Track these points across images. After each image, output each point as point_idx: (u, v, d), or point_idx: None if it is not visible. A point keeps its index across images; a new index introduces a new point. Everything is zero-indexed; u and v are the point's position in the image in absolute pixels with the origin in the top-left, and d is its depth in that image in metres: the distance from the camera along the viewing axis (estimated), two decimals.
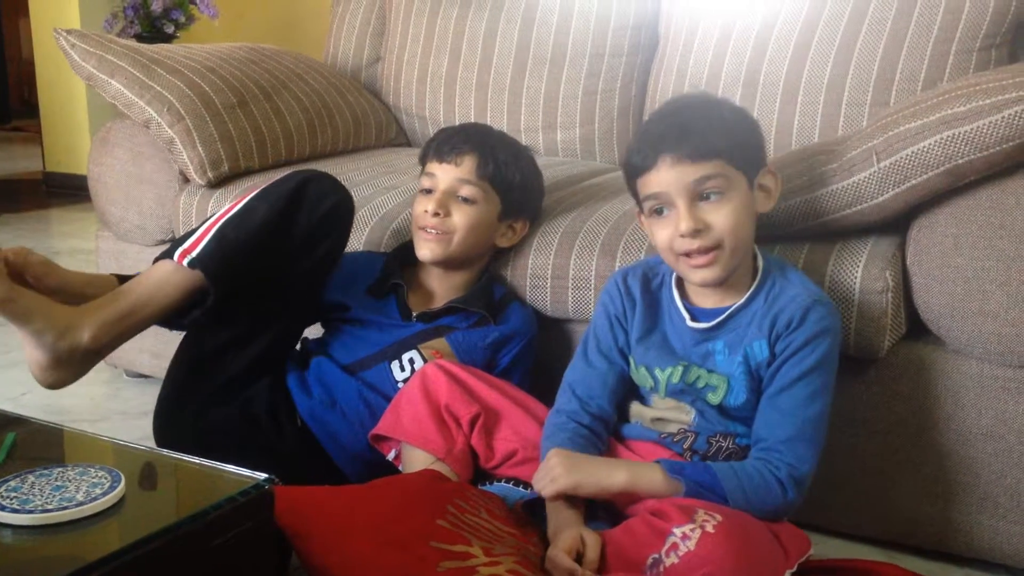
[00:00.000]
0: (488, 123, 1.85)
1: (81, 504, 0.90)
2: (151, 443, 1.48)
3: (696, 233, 1.19)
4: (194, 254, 1.37)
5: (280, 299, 1.47)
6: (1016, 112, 1.19)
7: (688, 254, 1.22)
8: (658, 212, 1.24)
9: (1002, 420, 1.31)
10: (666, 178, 1.21)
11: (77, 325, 1.32)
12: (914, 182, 1.28)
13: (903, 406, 1.37)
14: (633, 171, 1.26)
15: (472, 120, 2.14)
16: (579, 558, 1.13)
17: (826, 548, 1.41)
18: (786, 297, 1.24)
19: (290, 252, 1.43)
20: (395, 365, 1.49)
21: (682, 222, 1.20)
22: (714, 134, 1.20)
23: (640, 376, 1.31)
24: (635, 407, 1.34)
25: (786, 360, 1.22)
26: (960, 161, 1.24)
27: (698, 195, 1.20)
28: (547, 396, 1.37)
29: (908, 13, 1.72)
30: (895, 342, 1.36)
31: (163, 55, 1.91)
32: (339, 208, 1.46)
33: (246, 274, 1.40)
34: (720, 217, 1.20)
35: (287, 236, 1.42)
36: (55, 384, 1.35)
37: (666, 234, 1.23)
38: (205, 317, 1.41)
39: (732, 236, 1.20)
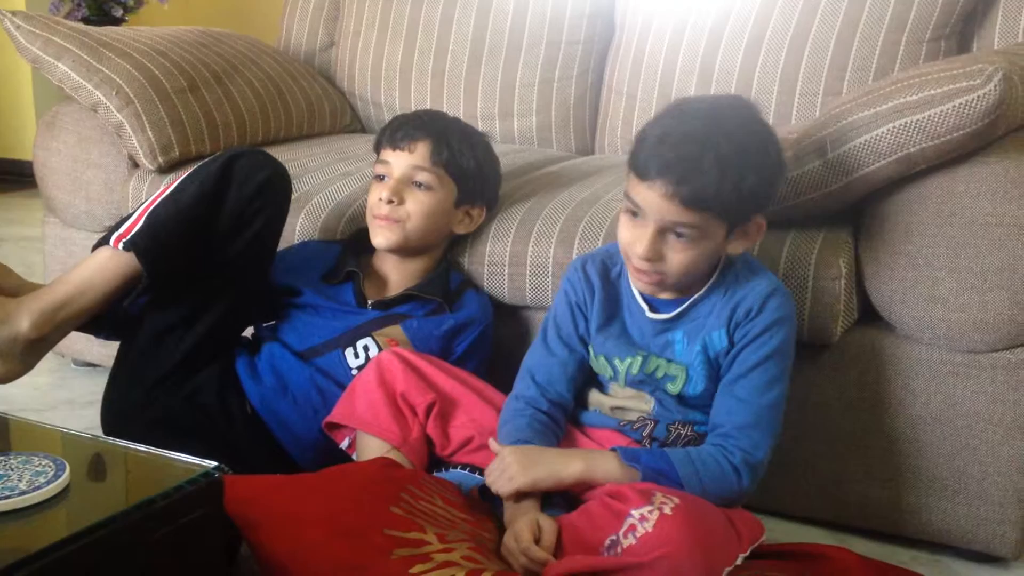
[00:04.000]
0: (444, 110, 1.84)
1: (24, 493, 0.87)
2: (98, 432, 1.45)
3: (649, 260, 1.19)
4: (128, 237, 1.37)
5: (221, 277, 1.45)
6: (966, 101, 1.20)
7: (637, 268, 1.22)
8: (633, 214, 1.21)
9: (950, 404, 1.33)
10: (652, 200, 1.16)
11: (15, 314, 1.31)
12: (866, 170, 1.29)
13: (854, 391, 1.39)
14: (632, 166, 1.20)
15: (428, 107, 2.12)
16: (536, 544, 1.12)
17: (779, 532, 1.42)
18: (746, 287, 1.25)
19: (224, 228, 1.41)
20: (349, 352, 1.48)
21: (640, 245, 1.18)
22: (718, 186, 1.13)
23: (599, 365, 1.31)
24: (594, 395, 1.34)
25: (744, 348, 1.22)
26: (911, 150, 1.25)
27: (670, 230, 1.18)
28: (505, 383, 1.37)
29: (860, 4, 1.74)
30: (847, 328, 1.37)
31: (111, 38, 1.87)
32: (271, 181, 1.44)
33: (179, 253, 1.39)
34: (678, 258, 1.19)
35: (219, 212, 1.41)
36: (4, 377, 1.33)
37: (628, 236, 1.21)
38: (145, 299, 1.40)
39: (679, 276, 1.21)
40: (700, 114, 1.19)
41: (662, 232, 1.18)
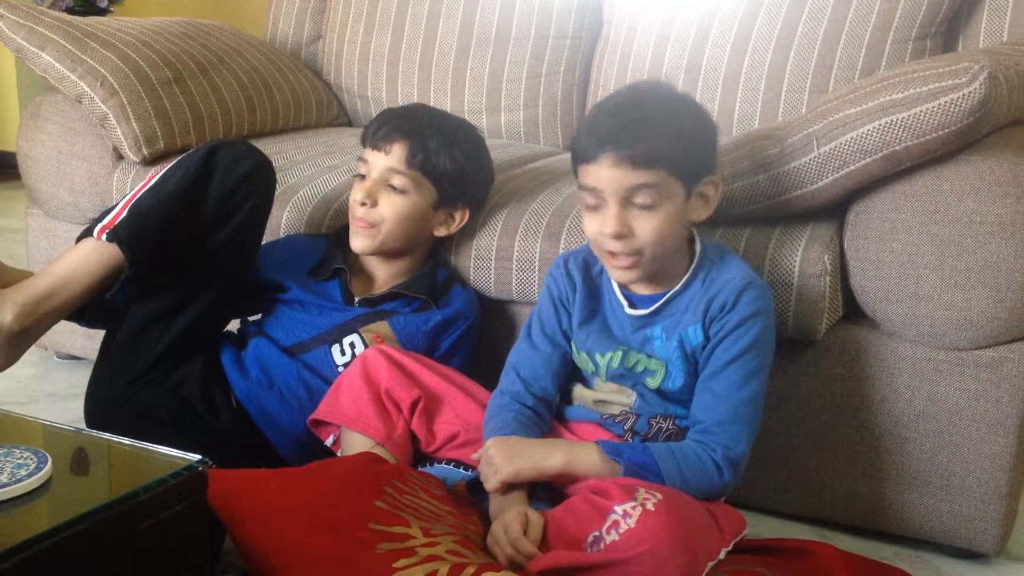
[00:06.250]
0: (431, 104, 1.83)
1: (5, 486, 0.87)
2: (82, 425, 1.45)
3: (620, 236, 1.20)
4: (111, 228, 1.36)
5: (205, 268, 1.44)
6: (952, 99, 1.21)
7: (611, 252, 1.22)
8: (592, 207, 1.23)
9: (934, 401, 1.34)
10: (605, 176, 1.19)
11: None
12: (852, 168, 1.30)
13: (839, 388, 1.39)
14: (576, 157, 1.24)
15: (415, 101, 2.12)
16: None
17: (761, 528, 1.43)
18: (721, 281, 1.25)
19: (207, 218, 1.41)
20: (335, 349, 1.47)
21: (607, 224, 1.20)
22: (661, 141, 1.17)
23: (581, 360, 1.32)
24: (578, 390, 1.34)
25: (720, 342, 1.23)
26: (897, 147, 1.25)
27: (631, 200, 1.20)
28: (491, 377, 1.37)
29: (846, 3, 1.74)
30: (832, 325, 1.38)
31: (96, 28, 1.86)
32: (255, 172, 1.43)
33: (162, 244, 1.38)
34: (647, 227, 1.20)
35: (201, 202, 1.40)
36: None
37: (595, 227, 1.22)
38: (128, 289, 1.39)
39: (654, 246, 1.21)
40: (619, 93, 1.28)
41: (625, 206, 1.20)
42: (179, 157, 1.45)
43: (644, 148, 1.17)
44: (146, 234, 1.36)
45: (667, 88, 1.26)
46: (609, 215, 1.19)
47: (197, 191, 1.40)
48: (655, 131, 1.18)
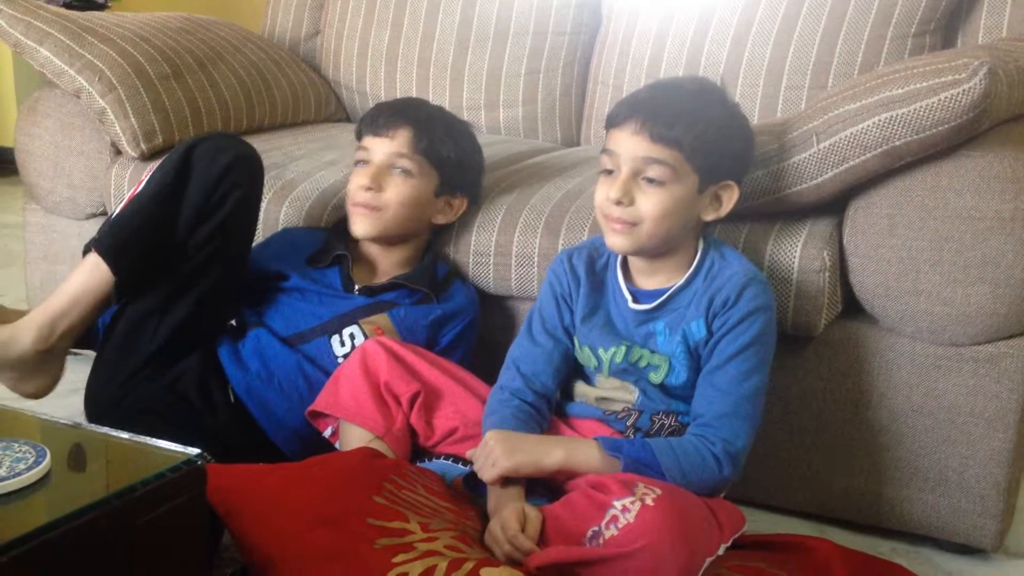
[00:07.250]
0: (429, 100, 1.83)
1: (3, 479, 0.86)
2: (81, 420, 1.44)
3: (619, 203, 1.22)
4: (97, 239, 1.39)
5: (197, 261, 1.44)
6: (952, 95, 1.21)
7: (609, 217, 1.25)
8: (607, 172, 1.26)
9: (932, 396, 1.34)
10: (624, 141, 1.23)
11: (17, 333, 1.37)
12: (852, 163, 1.30)
13: (838, 383, 1.39)
14: (607, 121, 1.28)
15: (413, 96, 2.11)
16: None
17: (759, 523, 1.43)
18: (723, 276, 1.25)
19: (190, 216, 1.41)
20: (335, 340, 1.47)
21: (613, 189, 1.22)
22: (686, 127, 1.20)
23: (584, 356, 1.32)
24: (579, 386, 1.34)
25: (722, 337, 1.23)
26: (897, 143, 1.25)
27: (642, 173, 1.22)
28: (489, 373, 1.37)
29: None
30: (831, 320, 1.38)
31: (95, 23, 1.85)
32: (236, 164, 1.42)
33: (147, 250, 1.40)
34: (649, 203, 1.22)
35: (182, 201, 1.41)
36: (34, 392, 1.44)
37: (602, 194, 1.25)
38: (122, 292, 1.41)
39: (652, 223, 1.22)
40: (673, 78, 1.36)
41: (635, 176, 1.22)
42: (164, 157, 1.45)
43: (667, 125, 1.20)
44: (128, 244, 1.39)
45: (718, 89, 1.30)
46: (617, 182, 1.22)
47: (176, 188, 1.40)
48: (684, 115, 1.21)
